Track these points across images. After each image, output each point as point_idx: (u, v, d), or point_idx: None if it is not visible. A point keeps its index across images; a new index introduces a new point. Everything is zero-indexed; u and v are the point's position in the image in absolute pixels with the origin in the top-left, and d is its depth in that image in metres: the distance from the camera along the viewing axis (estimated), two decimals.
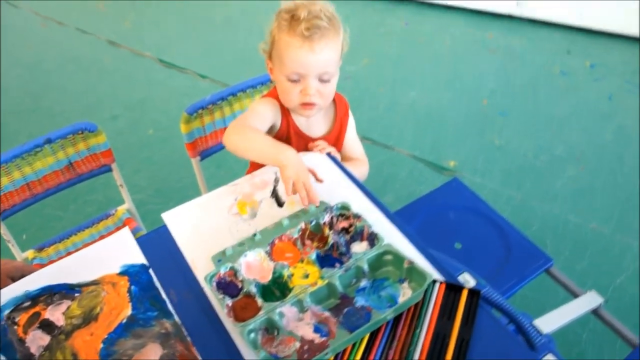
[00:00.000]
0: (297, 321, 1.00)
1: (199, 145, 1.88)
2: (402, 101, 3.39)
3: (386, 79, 3.62)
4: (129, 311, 1.08)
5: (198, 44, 4.08)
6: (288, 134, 1.54)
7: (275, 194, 1.31)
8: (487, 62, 3.72)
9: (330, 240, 1.15)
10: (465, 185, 1.89)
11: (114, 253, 1.19)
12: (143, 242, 1.22)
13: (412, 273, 1.06)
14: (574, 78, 3.51)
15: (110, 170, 1.88)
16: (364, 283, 1.07)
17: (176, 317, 1.06)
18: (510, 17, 4.15)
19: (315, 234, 1.18)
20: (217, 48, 4.02)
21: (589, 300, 1.48)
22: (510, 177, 2.79)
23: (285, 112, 1.52)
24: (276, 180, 1.35)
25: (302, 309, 1.02)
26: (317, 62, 1.36)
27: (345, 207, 1.21)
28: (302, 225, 1.18)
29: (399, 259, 1.08)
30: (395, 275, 1.08)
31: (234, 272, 1.10)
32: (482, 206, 1.81)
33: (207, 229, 1.23)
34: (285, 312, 1.01)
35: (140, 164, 2.98)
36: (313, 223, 1.19)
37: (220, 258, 1.13)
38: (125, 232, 1.24)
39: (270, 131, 1.53)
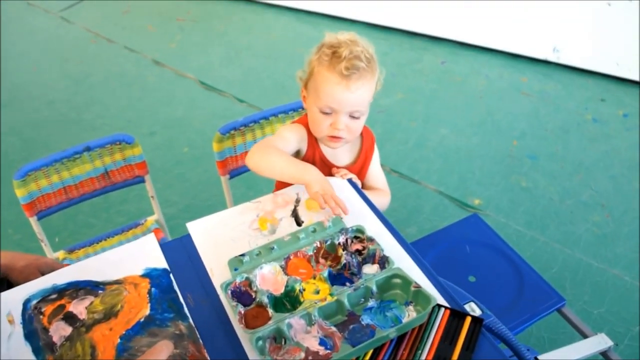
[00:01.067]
0: (305, 333, 1.05)
1: (229, 164, 1.95)
2: (432, 137, 3.43)
3: (418, 115, 3.67)
4: (147, 311, 1.14)
5: (239, 69, 4.20)
6: (313, 161, 1.60)
7: (295, 214, 1.37)
8: (520, 104, 3.75)
9: (343, 260, 1.19)
10: (484, 221, 1.91)
11: (138, 256, 1.26)
12: (167, 248, 1.28)
13: (418, 297, 1.10)
14: (606, 126, 3.51)
15: (143, 181, 1.96)
16: (371, 303, 1.11)
17: (191, 320, 1.11)
18: (545, 62, 4.18)
19: (330, 253, 1.23)
20: (256, 74, 4.13)
21: (599, 342, 1.49)
22: (534, 219, 2.79)
23: (312, 139, 1.58)
24: (297, 201, 1.41)
25: (310, 322, 1.06)
26: (351, 100, 1.43)
27: (360, 230, 1.26)
28: (318, 243, 1.23)
29: (406, 282, 1.12)
30: (402, 298, 1.12)
31: (249, 282, 1.14)
32: (499, 243, 1.83)
33: (228, 240, 1.28)
34: (294, 323, 1.05)
35: (173, 180, 3.07)
36: (328, 243, 1.23)
37: (237, 266, 1.18)
38: (151, 237, 1.30)
39: (296, 156, 1.59)
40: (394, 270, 1.15)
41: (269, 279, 1.16)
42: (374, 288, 1.12)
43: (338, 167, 1.61)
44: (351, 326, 1.06)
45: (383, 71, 1.50)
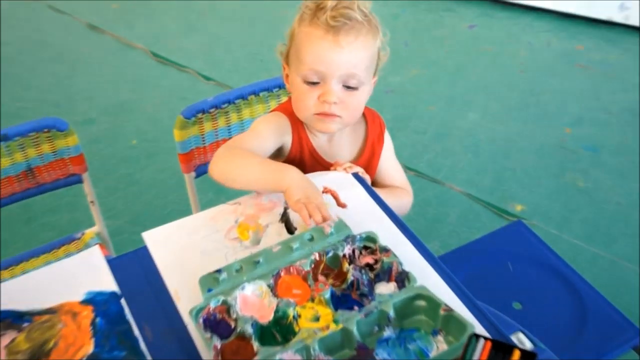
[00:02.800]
0: None
1: (196, 158, 1.96)
2: (458, 125, 3.46)
3: (439, 96, 3.69)
4: (90, 348, 1.13)
5: (203, 37, 4.22)
6: (302, 158, 1.61)
7: (285, 218, 1.37)
8: (574, 80, 3.79)
9: (350, 278, 1.19)
10: (531, 230, 1.93)
11: (78, 276, 1.25)
12: (116, 266, 1.28)
13: (450, 323, 1.10)
14: None
15: (80, 181, 1.95)
16: (388, 332, 1.11)
17: (149, 359, 1.11)
18: (608, 24, 4.21)
19: (332, 268, 1.23)
20: (226, 44, 4.15)
21: None
22: (596, 230, 2.81)
23: (299, 130, 1.59)
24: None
25: (309, 358, 1.06)
26: (342, 60, 1.43)
27: (371, 239, 1.26)
28: (316, 256, 1.23)
29: (434, 305, 1.12)
30: (428, 326, 1.12)
31: (227, 307, 1.14)
32: (552, 259, 1.84)
33: (198, 254, 1.28)
34: (287, 359, 1.05)
35: (117, 182, 3.08)
36: (330, 254, 1.24)
37: (211, 286, 1.17)
38: (95, 251, 1.30)
39: (278, 155, 1.61)
40: (417, 289, 1.15)
41: (253, 302, 1.16)
42: (391, 313, 1.12)
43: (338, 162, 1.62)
44: None
45: (387, 34, 1.51)
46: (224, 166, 1.40)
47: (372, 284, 1.20)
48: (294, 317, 1.13)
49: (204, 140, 1.95)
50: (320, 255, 1.23)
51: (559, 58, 3.98)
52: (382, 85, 3.74)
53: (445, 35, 4.26)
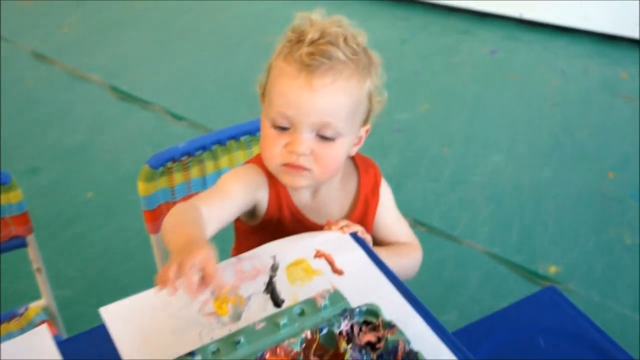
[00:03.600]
0: None
1: (164, 216, 1.96)
2: (477, 170, 3.49)
3: (455, 135, 3.73)
4: None
5: (172, 67, 4.26)
6: (281, 218, 1.63)
7: (271, 288, 1.39)
8: (617, 114, 3.81)
9: (348, 359, 1.21)
10: (566, 299, 1.94)
11: None
12: (67, 349, 1.29)
13: None
14: None
15: (24, 244, 1.96)
16: None
17: None
18: None
19: (327, 348, 1.25)
20: (200, 77, 4.19)
21: None
22: None
23: (276, 184, 1.60)
24: (273, 268, 1.43)
25: None
26: (316, 105, 1.44)
27: (372, 312, 1.28)
28: (308, 334, 1.25)
29: None
30: None
31: None
32: (592, 333, 1.85)
33: (167, 333, 1.29)
34: None
35: (68, 245, 3.10)
36: (324, 332, 1.25)
37: None
38: (42, 331, 1.31)
39: (253, 217, 1.63)
40: None
41: None
42: None
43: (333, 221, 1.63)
44: None
45: (384, 76, 1.54)
46: (165, 223, 1.43)
47: None
48: None
49: (174, 194, 1.97)
50: (312, 333, 1.25)
51: (599, 88, 4.02)
52: (388, 124, 3.79)
53: (462, 62, 4.31)
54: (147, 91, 4.04)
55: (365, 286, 1.40)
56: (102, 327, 1.33)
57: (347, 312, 1.28)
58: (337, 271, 1.43)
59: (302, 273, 1.43)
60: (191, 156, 1.95)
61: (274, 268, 1.44)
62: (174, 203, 1.98)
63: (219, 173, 2.01)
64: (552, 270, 2.94)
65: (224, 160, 2.01)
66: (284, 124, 1.47)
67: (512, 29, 4.51)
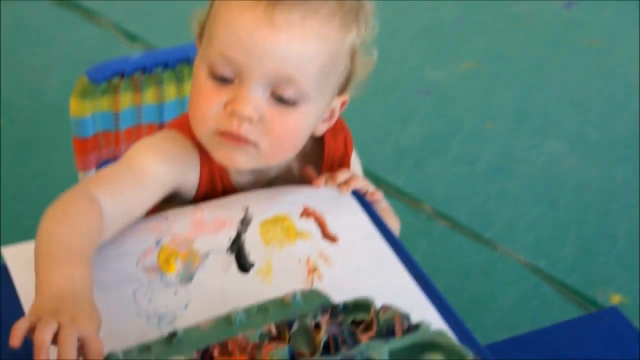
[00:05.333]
0: None
1: (101, 148, 1.98)
2: (528, 157, 3.50)
3: (503, 109, 3.73)
4: None
5: None
6: None
7: (237, 247, 1.39)
8: None
9: (323, 337, 1.20)
10: (632, 325, 1.94)
11: None
12: None
13: None
14: None
15: None
16: None
17: None
18: None
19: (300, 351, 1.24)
20: None
21: None
22: None
23: (210, 161, 1.53)
24: (245, 222, 1.43)
25: None
26: (276, 49, 1.35)
27: (362, 307, 1.26)
28: (272, 328, 1.23)
29: (455, 356, 1.13)
30: None
31: None
32: None
33: (94, 289, 1.29)
34: None
35: None
36: (295, 328, 1.24)
37: None
38: None
39: (171, 202, 1.55)
40: (431, 334, 1.16)
41: None
42: None
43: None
44: None
45: (376, 27, 1.49)
46: (42, 221, 1.34)
47: (356, 338, 1.21)
48: None
49: (117, 122, 1.97)
50: (277, 328, 1.23)
51: None
52: (415, 82, 3.79)
53: (526, 14, 4.30)
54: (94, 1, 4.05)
55: (364, 260, 1.41)
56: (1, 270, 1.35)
57: (328, 307, 1.26)
58: (329, 237, 1.42)
59: (282, 233, 1.43)
60: (147, 73, 1.94)
61: (245, 222, 1.43)
62: (116, 134, 1.98)
63: (182, 102, 2.01)
64: (616, 299, 2.93)
65: (190, 86, 2.01)
66: (227, 72, 1.38)
67: None
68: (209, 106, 1.41)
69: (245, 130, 1.38)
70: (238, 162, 1.46)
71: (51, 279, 1.18)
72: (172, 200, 1.52)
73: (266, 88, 1.37)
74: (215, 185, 1.55)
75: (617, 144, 3.58)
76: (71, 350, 1.05)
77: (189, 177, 1.52)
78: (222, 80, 1.39)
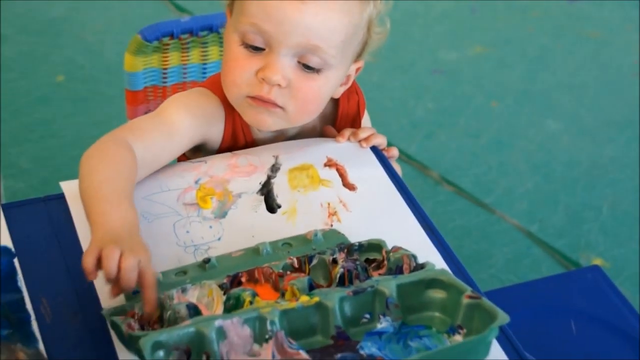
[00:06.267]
0: (247, 354, 1.06)
1: (150, 101, 2.00)
2: (528, 133, 3.50)
3: (508, 89, 3.72)
4: None
5: None
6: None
7: (267, 190, 1.42)
8: None
9: (339, 270, 1.22)
10: (613, 283, 1.95)
11: None
12: (13, 214, 1.33)
13: (474, 316, 1.11)
14: None
15: None
16: (383, 324, 1.13)
17: (41, 345, 1.13)
18: None
19: (319, 283, 1.25)
20: None
21: None
22: None
23: (235, 116, 1.55)
24: (274, 169, 1.46)
25: (262, 335, 1.07)
26: (304, 21, 1.36)
27: (375, 247, 1.27)
28: (294, 261, 1.24)
29: (455, 294, 1.14)
30: (444, 324, 1.15)
31: (160, 311, 1.15)
32: (635, 326, 1.85)
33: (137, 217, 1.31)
34: (230, 330, 1.05)
35: (28, 130, 3.14)
36: (314, 262, 1.25)
37: (137, 288, 1.19)
38: None
39: (197, 152, 1.57)
40: (435, 272, 1.18)
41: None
42: (392, 296, 1.13)
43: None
44: (339, 355, 1.10)
45: (389, 2, 1.49)
46: (82, 161, 1.36)
47: (368, 273, 1.24)
48: (250, 301, 1.15)
49: (165, 78, 1.99)
50: (299, 262, 1.24)
51: None
52: (430, 62, 3.78)
53: (533, 4, 4.27)
54: None
55: (379, 207, 1.43)
56: (57, 198, 1.39)
57: (345, 246, 1.28)
58: (348, 185, 1.45)
59: (307, 180, 1.45)
60: (194, 36, 1.96)
61: (275, 169, 1.46)
62: (163, 89, 2.00)
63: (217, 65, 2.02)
64: (597, 262, 2.92)
65: None
66: (258, 42, 1.39)
67: None
68: (241, 72, 1.41)
69: (275, 94, 1.40)
70: (266, 123, 1.47)
71: (104, 216, 1.21)
72: (199, 151, 1.55)
73: (293, 56, 1.38)
74: (238, 139, 1.56)
75: (607, 127, 3.58)
76: (133, 274, 1.11)
77: (214, 130, 1.53)
78: (254, 49, 1.39)
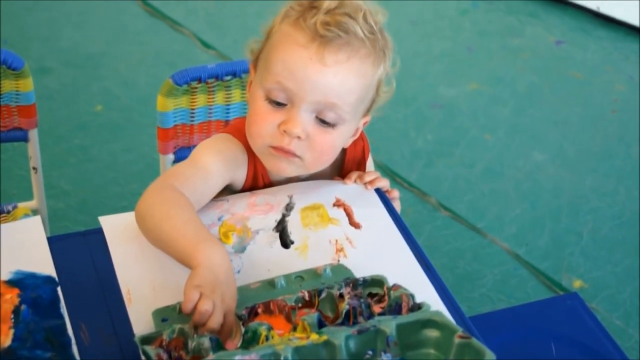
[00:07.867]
0: None
1: (179, 137, 2.03)
2: (517, 164, 3.51)
3: (499, 123, 3.73)
4: (7, 341, 1.16)
5: None
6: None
7: (282, 227, 1.44)
8: None
9: (345, 307, 1.24)
10: (590, 310, 1.96)
11: (8, 249, 1.30)
12: (58, 247, 1.34)
13: (466, 353, 1.14)
14: None
15: (24, 139, 2.00)
16: (384, 358, 1.16)
17: None
18: None
19: (327, 315, 1.27)
20: (240, 6, 4.18)
21: None
22: None
23: (255, 160, 1.56)
24: (288, 207, 1.48)
25: None
26: (323, 82, 1.38)
27: (377, 282, 1.30)
28: (305, 294, 1.27)
29: (448, 334, 1.17)
30: None
31: (184, 339, 1.18)
32: (611, 352, 1.86)
33: (163, 253, 1.34)
34: None
35: (68, 155, 3.15)
36: (323, 296, 1.28)
37: (166, 316, 1.22)
38: (35, 222, 1.35)
39: (223, 191, 1.57)
40: (430, 313, 1.20)
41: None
42: (392, 335, 1.16)
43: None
44: None
45: (397, 63, 1.50)
46: (146, 210, 1.36)
47: (372, 310, 1.25)
48: (266, 336, 1.17)
49: (192, 117, 2.01)
50: (310, 295, 1.27)
51: None
52: (430, 97, 3.79)
53: (523, 46, 4.28)
54: (180, 12, 4.05)
55: (381, 244, 1.44)
56: (96, 232, 1.38)
57: (350, 280, 1.30)
58: (354, 224, 1.46)
59: (317, 218, 1.47)
60: (219, 80, 1.98)
61: (289, 207, 1.47)
62: (191, 127, 2.03)
63: (244, 105, 2.05)
64: (577, 284, 2.94)
65: None
66: (281, 98, 1.40)
67: (584, 21, 4.47)
68: (265, 125, 1.42)
69: (294, 145, 1.42)
70: (285, 171, 1.49)
71: (203, 252, 1.25)
72: (224, 192, 1.54)
73: (312, 112, 1.40)
74: (258, 181, 1.57)
75: (589, 158, 3.58)
76: (218, 324, 1.16)
77: (240, 173, 1.55)
78: (277, 104, 1.41)
